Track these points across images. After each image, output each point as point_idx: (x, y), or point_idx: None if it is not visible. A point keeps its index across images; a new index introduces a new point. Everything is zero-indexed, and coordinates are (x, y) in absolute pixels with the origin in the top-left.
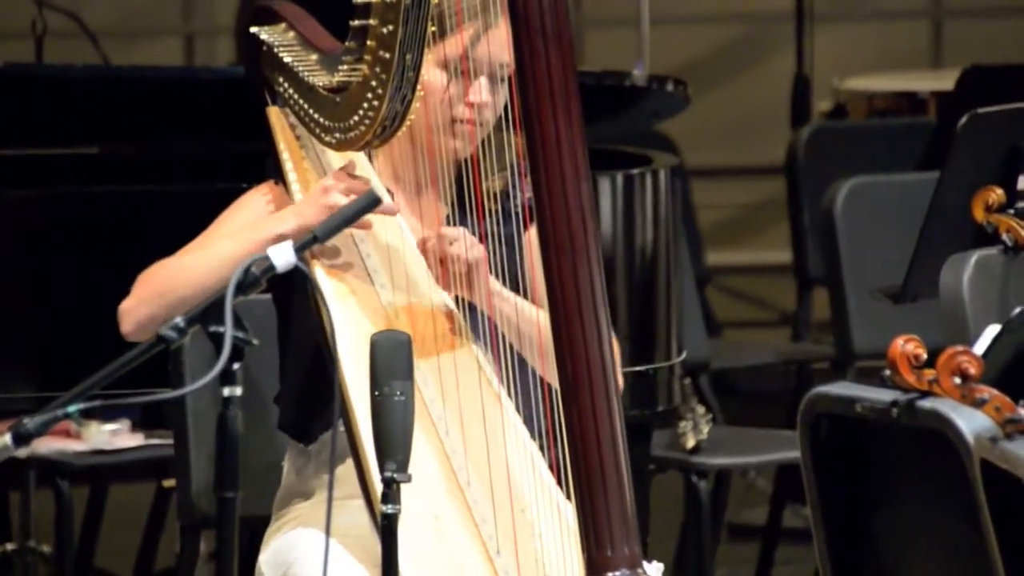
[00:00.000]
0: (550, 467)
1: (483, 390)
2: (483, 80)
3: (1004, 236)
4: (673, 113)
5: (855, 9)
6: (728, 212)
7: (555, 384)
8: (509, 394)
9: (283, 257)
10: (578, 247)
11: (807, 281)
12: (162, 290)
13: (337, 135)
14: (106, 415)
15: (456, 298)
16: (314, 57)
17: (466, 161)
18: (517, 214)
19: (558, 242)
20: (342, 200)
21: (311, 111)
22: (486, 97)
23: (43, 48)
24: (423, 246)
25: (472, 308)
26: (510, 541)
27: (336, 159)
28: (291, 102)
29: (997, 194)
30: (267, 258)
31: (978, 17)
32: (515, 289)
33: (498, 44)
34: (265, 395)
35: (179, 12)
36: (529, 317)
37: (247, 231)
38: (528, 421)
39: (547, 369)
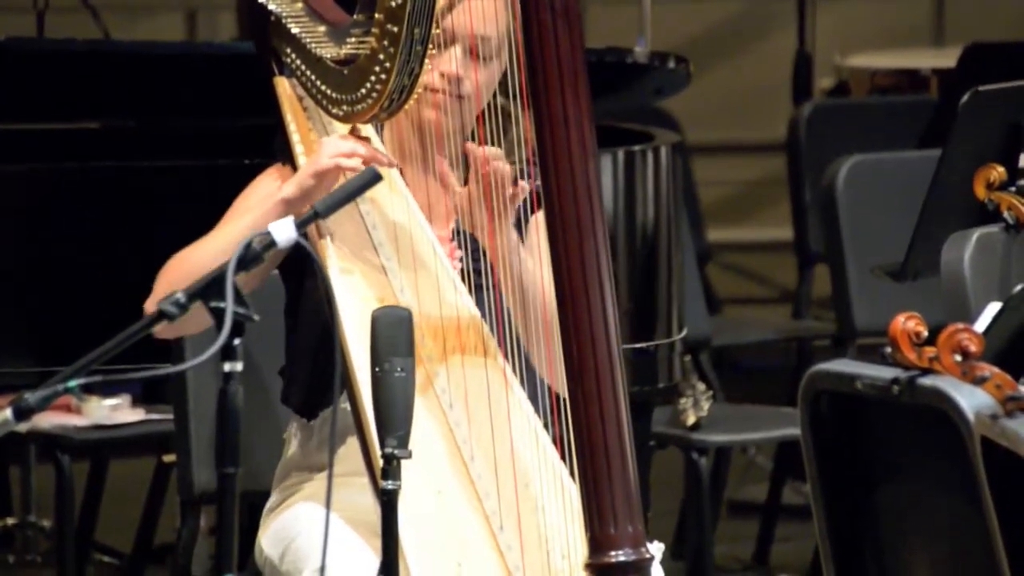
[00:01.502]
0: (553, 442)
1: (488, 364)
2: (456, 50)
3: (1005, 214)
4: (674, 90)
5: None
6: (729, 189)
7: (558, 383)
8: (514, 370)
9: (284, 233)
10: (584, 225)
11: (808, 258)
12: (178, 281)
13: (344, 107)
14: (107, 390)
15: (462, 272)
16: (322, 29)
17: (474, 140)
18: (525, 200)
19: (565, 220)
20: (343, 161)
21: (318, 83)
22: (457, 69)
23: (44, 22)
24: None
25: (478, 287)
26: (513, 516)
27: (343, 131)
28: (298, 73)
29: (999, 172)
30: (268, 234)
31: None
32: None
33: (479, 16)
34: (266, 371)
35: None
36: (535, 290)
37: (253, 210)
38: (532, 397)
39: (552, 360)
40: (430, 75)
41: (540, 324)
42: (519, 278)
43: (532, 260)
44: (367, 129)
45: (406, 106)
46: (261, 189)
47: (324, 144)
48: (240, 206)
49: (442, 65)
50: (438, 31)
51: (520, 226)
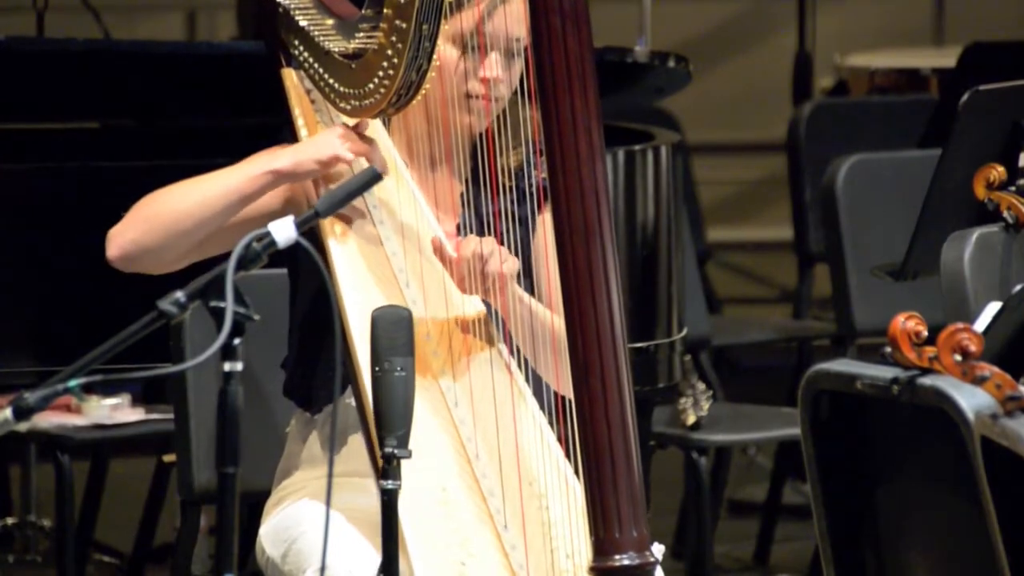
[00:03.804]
0: (558, 440)
1: (493, 362)
2: (496, 55)
3: (1005, 213)
4: (675, 89)
5: None
6: (729, 189)
7: (568, 394)
8: (519, 366)
9: (284, 232)
10: (591, 226)
11: (808, 258)
12: (149, 215)
13: (352, 102)
14: (107, 390)
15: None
16: (330, 22)
17: (481, 137)
18: (532, 194)
19: (572, 221)
20: (343, 151)
21: (326, 76)
22: (499, 72)
23: (44, 22)
24: (440, 253)
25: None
26: (517, 515)
27: (351, 123)
28: (306, 66)
29: (998, 171)
30: (268, 233)
31: None
32: (527, 272)
33: (513, 18)
34: (266, 370)
35: None
36: (544, 319)
37: (241, 165)
38: (537, 394)
39: (560, 375)
40: (472, 82)
41: (549, 351)
42: (523, 321)
43: (536, 302)
44: (375, 124)
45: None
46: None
47: (327, 131)
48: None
49: (484, 71)
50: (482, 36)
51: (528, 221)
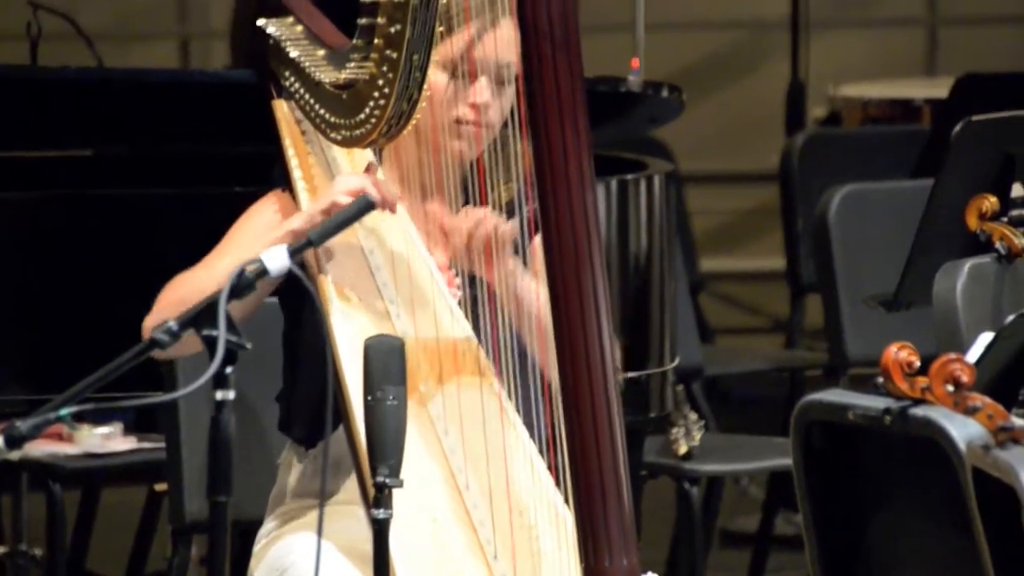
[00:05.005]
0: (549, 469)
1: (484, 392)
2: (484, 80)
3: (998, 244)
4: (668, 119)
5: (850, 16)
6: (722, 218)
7: (554, 378)
8: (509, 396)
9: (277, 261)
10: (582, 255)
11: (800, 288)
12: (183, 299)
13: (343, 132)
14: (99, 418)
15: (461, 300)
16: (321, 53)
17: (472, 168)
18: (523, 226)
19: (563, 250)
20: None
21: (317, 107)
22: (488, 98)
23: (38, 50)
24: (439, 227)
25: (476, 316)
26: (508, 545)
27: (341, 155)
28: (297, 97)
29: (991, 202)
30: (261, 262)
31: (973, 25)
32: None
33: (502, 44)
34: (258, 399)
35: (174, 15)
36: (532, 300)
37: (259, 234)
38: (528, 424)
39: (546, 357)
40: (460, 108)
41: (535, 329)
42: (516, 296)
43: (529, 277)
44: (367, 154)
45: (427, 142)
46: (261, 217)
47: (337, 180)
48: (239, 232)
49: (472, 96)
50: (470, 62)
51: (520, 254)
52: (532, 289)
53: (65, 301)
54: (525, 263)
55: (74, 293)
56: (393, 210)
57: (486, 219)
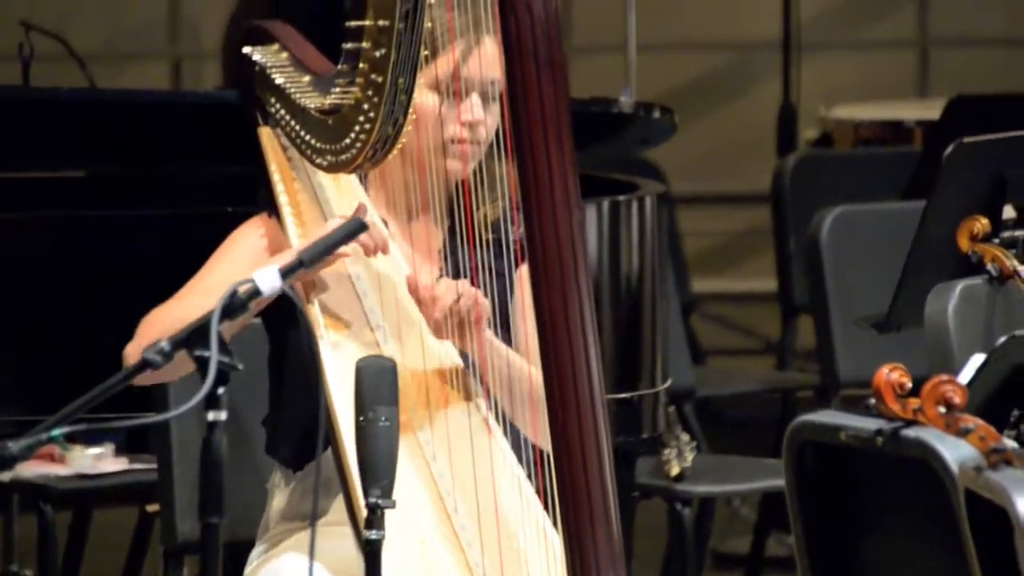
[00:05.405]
0: (536, 492)
1: (471, 415)
2: (475, 97)
3: (989, 266)
4: (660, 140)
5: (842, 38)
6: (714, 240)
7: (545, 446)
8: (497, 419)
9: (269, 282)
10: (568, 277)
11: (792, 309)
12: (166, 328)
13: (328, 157)
14: (90, 439)
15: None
16: (306, 79)
17: (458, 190)
18: (509, 249)
19: (547, 271)
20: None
21: (303, 133)
22: (481, 115)
23: (30, 71)
24: (416, 295)
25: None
26: (496, 568)
27: (327, 181)
28: (283, 123)
29: (982, 223)
30: (253, 282)
31: (964, 47)
32: (506, 327)
33: (488, 61)
34: (250, 420)
35: (166, 36)
36: (521, 370)
37: (246, 267)
38: (515, 447)
39: (537, 426)
40: (453, 127)
41: (526, 402)
42: (499, 371)
43: (513, 353)
44: (352, 179)
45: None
46: (247, 243)
47: (331, 223)
48: (225, 258)
49: (463, 115)
50: (459, 81)
51: (507, 276)
52: (519, 363)
53: (57, 322)
54: (512, 291)
55: (66, 314)
56: (386, 252)
57: (463, 294)
